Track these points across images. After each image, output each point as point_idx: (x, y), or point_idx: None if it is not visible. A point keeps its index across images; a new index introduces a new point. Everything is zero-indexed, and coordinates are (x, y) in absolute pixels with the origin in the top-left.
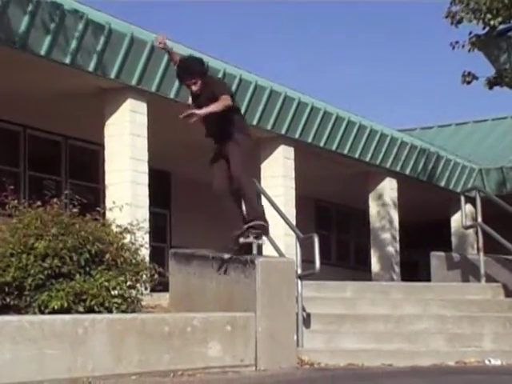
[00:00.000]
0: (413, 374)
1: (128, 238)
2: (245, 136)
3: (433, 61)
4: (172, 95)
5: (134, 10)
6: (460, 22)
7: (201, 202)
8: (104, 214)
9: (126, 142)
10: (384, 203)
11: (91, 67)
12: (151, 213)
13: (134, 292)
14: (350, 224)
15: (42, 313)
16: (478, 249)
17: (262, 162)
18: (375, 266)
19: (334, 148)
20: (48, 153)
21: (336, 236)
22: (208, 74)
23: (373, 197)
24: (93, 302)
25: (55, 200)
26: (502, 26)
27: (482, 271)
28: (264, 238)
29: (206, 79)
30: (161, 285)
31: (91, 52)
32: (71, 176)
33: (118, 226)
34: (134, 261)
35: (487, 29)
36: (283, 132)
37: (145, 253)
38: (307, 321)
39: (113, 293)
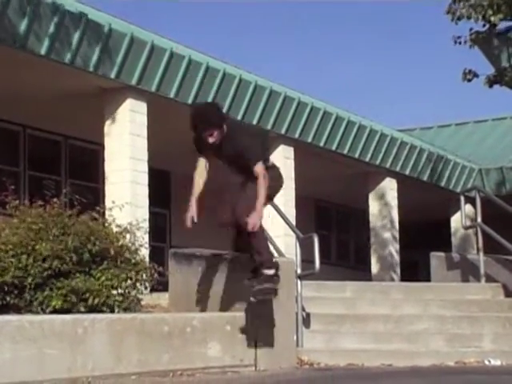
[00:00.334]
0: (412, 374)
1: (128, 237)
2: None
3: (433, 60)
4: (172, 95)
5: (134, 9)
6: (460, 18)
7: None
8: (104, 213)
9: (125, 141)
10: (384, 203)
11: (91, 67)
12: (151, 212)
13: (133, 291)
14: (350, 224)
15: (43, 312)
16: (478, 249)
17: None
18: (375, 266)
19: (333, 148)
20: (48, 152)
21: (336, 236)
22: (227, 121)
23: (373, 197)
24: (94, 301)
25: (55, 200)
26: (502, 24)
27: (482, 271)
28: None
29: (224, 129)
30: (160, 284)
31: (91, 52)
32: (71, 176)
33: (117, 225)
34: (133, 260)
35: (487, 26)
36: (283, 132)
37: (144, 252)
38: (307, 321)
39: (114, 292)
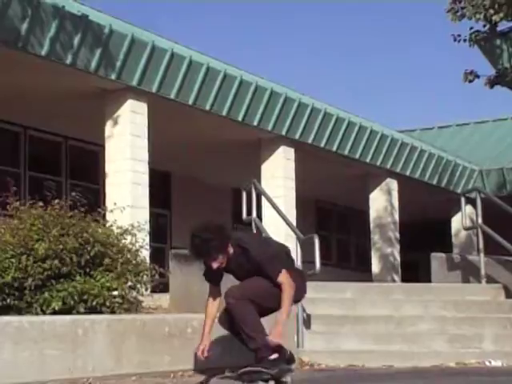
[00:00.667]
0: (413, 375)
1: (128, 239)
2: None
3: (433, 61)
4: (172, 96)
5: (133, 10)
6: (462, 17)
7: (201, 203)
8: (104, 215)
9: (126, 142)
10: (384, 204)
11: (92, 68)
12: (151, 213)
13: (134, 293)
14: (351, 225)
15: (44, 313)
16: (479, 250)
17: (263, 162)
18: (376, 266)
19: (334, 149)
20: (48, 153)
21: (336, 237)
22: (230, 237)
23: (373, 198)
24: (94, 302)
25: (56, 201)
26: (503, 25)
27: (483, 272)
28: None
29: (230, 250)
30: (161, 285)
31: (92, 53)
32: (72, 177)
33: (118, 227)
34: (134, 262)
35: (488, 26)
36: (284, 133)
37: (145, 254)
38: (308, 322)
39: (114, 293)
